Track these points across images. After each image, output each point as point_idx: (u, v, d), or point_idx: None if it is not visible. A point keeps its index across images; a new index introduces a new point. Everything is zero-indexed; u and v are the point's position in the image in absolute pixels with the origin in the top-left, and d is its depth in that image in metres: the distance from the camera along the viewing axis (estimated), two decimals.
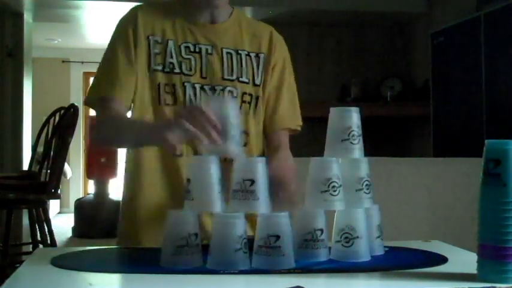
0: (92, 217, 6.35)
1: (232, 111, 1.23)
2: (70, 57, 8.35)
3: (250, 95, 1.57)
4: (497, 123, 3.84)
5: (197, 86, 1.52)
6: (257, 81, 1.59)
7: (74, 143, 5.51)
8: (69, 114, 3.47)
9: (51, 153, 3.46)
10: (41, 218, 3.45)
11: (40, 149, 3.89)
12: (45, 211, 3.51)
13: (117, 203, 6.50)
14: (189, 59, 1.53)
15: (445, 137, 4.57)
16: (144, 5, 1.59)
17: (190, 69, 1.52)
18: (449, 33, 4.46)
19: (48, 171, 3.44)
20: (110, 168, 6.67)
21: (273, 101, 1.63)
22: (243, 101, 1.56)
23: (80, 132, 8.07)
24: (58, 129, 3.46)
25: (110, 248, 1.47)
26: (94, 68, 6.72)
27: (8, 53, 5.34)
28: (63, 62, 8.39)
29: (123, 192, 1.60)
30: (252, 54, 1.60)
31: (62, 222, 6.88)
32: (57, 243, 3.69)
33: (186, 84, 1.51)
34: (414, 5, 5.30)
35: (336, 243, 1.21)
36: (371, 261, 1.24)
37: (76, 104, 3.65)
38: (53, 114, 3.70)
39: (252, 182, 1.15)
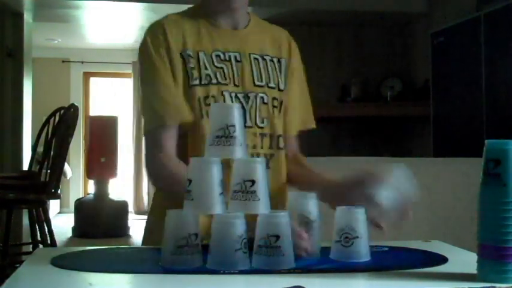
0: (92, 217, 6.35)
1: (237, 115, 1.22)
2: (70, 57, 8.35)
3: (277, 99, 1.57)
4: (497, 123, 3.85)
5: (233, 95, 1.50)
6: (281, 87, 1.59)
7: (74, 143, 5.52)
8: (69, 114, 3.48)
9: (51, 153, 3.46)
10: (41, 218, 3.45)
11: (40, 149, 3.89)
12: (45, 211, 3.51)
13: (117, 203, 6.52)
14: (222, 68, 1.51)
15: (445, 137, 4.57)
16: (169, 19, 1.54)
17: (225, 78, 1.50)
18: (449, 33, 4.46)
19: (48, 171, 3.45)
20: (110, 168, 6.67)
21: (294, 105, 1.64)
22: (274, 106, 1.56)
23: (80, 132, 8.07)
24: (58, 129, 3.46)
25: (110, 248, 1.47)
26: (94, 68, 6.78)
27: (8, 53, 5.34)
28: (63, 62, 8.39)
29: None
30: (275, 60, 1.60)
31: (62, 222, 6.88)
32: (57, 243, 3.69)
33: (225, 93, 1.49)
34: (414, 5, 5.31)
35: (336, 243, 1.21)
36: (371, 261, 1.24)
37: (76, 104, 3.65)
38: (53, 114, 3.70)
39: (253, 182, 1.15)
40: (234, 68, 1.52)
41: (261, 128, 1.53)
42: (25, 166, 5.06)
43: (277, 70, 1.59)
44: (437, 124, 4.66)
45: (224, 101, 1.48)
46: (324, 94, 5.60)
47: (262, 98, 1.54)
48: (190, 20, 1.54)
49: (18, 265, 1.26)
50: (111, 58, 8.23)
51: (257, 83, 1.54)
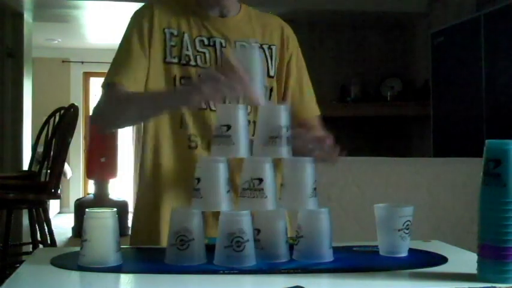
0: None
1: (257, 59, 1.25)
2: (70, 57, 8.35)
3: (265, 86, 1.56)
4: (497, 123, 3.85)
5: None
6: (271, 73, 1.60)
7: (74, 143, 5.52)
8: (69, 114, 3.47)
9: (51, 153, 3.46)
10: (41, 218, 3.45)
11: (40, 149, 3.89)
12: (45, 211, 3.51)
13: (117, 203, 6.52)
14: (204, 52, 1.53)
15: (445, 137, 4.57)
16: (159, 1, 1.60)
17: (205, 62, 1.52)
18: (449, 33, 4.46)
19: (48, 171, 3.44)
20: (110, 168, 6.67)
21: (298, 93, 1.65)
22: None
23: (80, 132, 8.07)
24: (58, 129, 3.46)
25: None
26: (94, 68, 6.79)
27: (8, 53, 5.34)
28: (63, 62, 8.39)
29: (139, 191, 1.59)
30: (265, 46, 1.60)
31: (62, 222, 6.88)
32: (57, 243, 3.69)
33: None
34: (414, 5, 5.30)
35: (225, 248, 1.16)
36: (371, 261, 1.24)
37: (76, 104, 3.65)
38: (53, 114, 3.70)
39: (261, 180, 1.17)
40: (218, 53, 1.53)
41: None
42: (25, 166, 5.06)
43: (267, 56, 1.60)
44: (437, 124, 4.65)
45: None
46: (324, 94, 5.59)
47: None
48: (182, 5, 1.59)
49: (18, 265, 1.26)
50: (111, 58, 8.18)
51: None
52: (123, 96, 1.49)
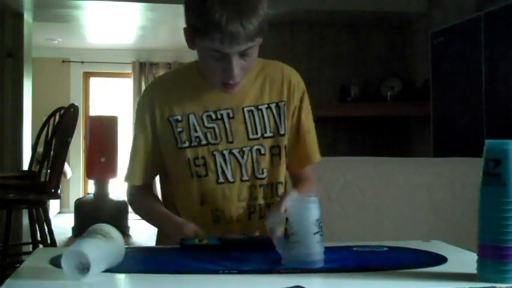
0: (92, 217, 6.35)
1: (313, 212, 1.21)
2: (70, 57, 8.35)
3: (278, 146, 1.58)
4: (497, 123, 3.85)
5: (226, 153, 1.54)
6: (281, 131, 1.58)
7: (74, 143, 5.51)
8: (69, 114, 3.47)
9: (51, 153, 3.46)
10: (41, 218, 3.45)
11: (40, 149, 3.89)
12: (45, 211, 3.51)
13: (117, 203, 6.52)
14: (213, 127, 1.54)
15: (445, 137, 4.57)
16: (158, 83, 1.66)
17: (216, 138, 1.54)
18: (449, 33, 4.46)
19: (48, 171, 3.44)
20: (110, 168, 6.67)
21: (294, 140, 1.62)
22: (272, 154, 1.57)
23: (80, 132, 8.07)
24: (58, 129, 3.46)
25: None
26: (94, 68, 6.81)
27: (8, 53, 5.34)
28: (63, 62, 8.39)
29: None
30: (273, 105, 1.58)
31: (62, 222, 6.88)
32: (57, 243, 3.69)
33: (215, 153, 1.54)
34: (414, 5, 5.30)
35: None
36: (371, 261, 1.24)
37: (76, 104, 3.65)
38: (53, 114, 3.70)
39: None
40: (227, 126, 1.54)
41: (261, 179, 1.56)
42: (25, 166, 5.06)
43: (275, 116, 1.58)
44: (437, 124, 4.65)
45: (215, 160, 1.54)
46: (324, 94, 5.60)
47: (258, 150, 1.56)
48: (181, 81, 1.59)
49: (18, 265, 1.26)
50: (111, 58, 8.23)
51: (251, 136, 1.55)
52: (142, 212, 1.65)
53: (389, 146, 5.63)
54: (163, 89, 1.59)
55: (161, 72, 8.61)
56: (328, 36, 5.79)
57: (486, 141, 1.03)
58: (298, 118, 1.61)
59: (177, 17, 6.22)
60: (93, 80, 8.73)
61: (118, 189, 7.36)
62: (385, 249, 1.35)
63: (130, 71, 8.49)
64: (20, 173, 4.25)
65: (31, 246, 3.65)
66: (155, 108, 1.56)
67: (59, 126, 3.46)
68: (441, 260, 1.22)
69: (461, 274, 1.08)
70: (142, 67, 8.53)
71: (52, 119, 3.66)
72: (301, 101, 1.62)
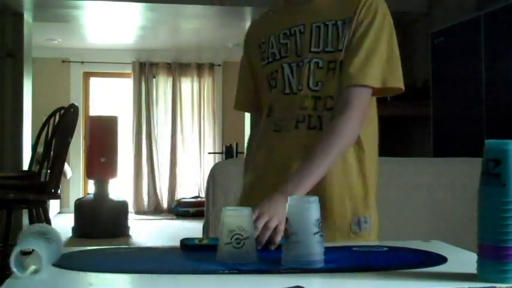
0: (92, 217, 6.36)
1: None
2: (70, 57, 8.35)
3: (335, 61, 1.59)
4: (497, 123, 3.85)
5: (293, 65, 1.64)
6: (340, 47, 1.59)
7: (74, 143, 5.51)
8: (69, 114, 3.47)
9: (51, 153, 3.46)
10: (41, 218, 3.45)
11: (40, 149, 3.89)
12: (45, 211, 3.51)
13: (117, 203, 6.53)
14: (286, 43, 1.66)
15: (445, 137, 4.57)
16: (254, 21, 1.92)
17: (286, 52, 1.65)
18: (449, 33, 4.46)
19: (48, 171, 3.44)
20: (110, 168, 6.67)
21: (346, 55, 1.59)
22: (329, 69, 1.60)
23: (80, 132, 8.07)
24: (58, 129, 3.46)
25: (109, 248, 1.47)
26: (94, 68, 6.82)
27: (8, 53, 5.34)
28: (63, 62, 8.39)
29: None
30: (340, 23, 1.61)
31: (62, 222, 6.88)
32: None
33: (283, 65, 1.65)
34: (414, 5, 5.30)
35: (226, 245, 1.19)
36: (371, 261, 1.24)
37: (76, 104, 3.65)
38: (53, 114, 3.70)
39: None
40: (298, 40, 1.64)
41: (315, 91, 1.60)
42: (25, 166, 5.06)
43: (340, 32, 1.60)
44: (437, 124, 4.66)
45: (283, 72, 1.65)
46: None
47: (317, 63, 1.61)
48: (270, 12, 1.81)
49: None
50: (111, 58, 8.23)
51: (313, 49, 1.62)
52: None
53: (389, 146, 5.62)
54: (256, 23, 1.85)
55: (161, 72, 8.62)
56: None
57: (486, 141, 1.03)
58: (354, 32, 1.60)
59: (177, 17, 6.24)
60: (93, 80, 8.73)
61: (118, 189, 7.36)
62: (385, 249, 1.35)
63: (130, 71, 8.49)
64: (20, 173, 4.25)
65: None
66: (250, 36, 1.79)
67: (59, 126, 3.46)
68: (441, 260, 1.22)
69: (461, 274, 1.08)
70: (142, 67, 8.53)
71: (52, 119, 3.66)
72: (366, 16, 1.60)
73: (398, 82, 1.66)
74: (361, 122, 1.60)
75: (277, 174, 1.56)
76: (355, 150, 1.61)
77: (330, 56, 1.60)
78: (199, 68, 8.60)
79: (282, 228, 1.27)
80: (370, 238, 1.60)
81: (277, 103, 1.65)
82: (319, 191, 1.44)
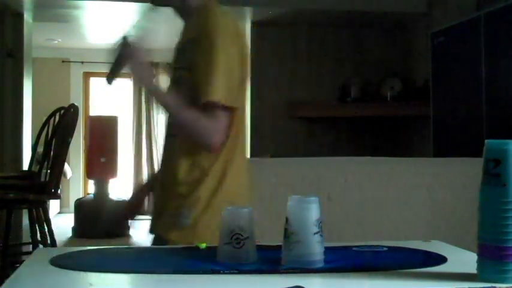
0: (92, 217, 6.35)
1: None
2: (70, 57, 8.34)
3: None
4: (497, 123, 3.84)
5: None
6: (182, 65, 1.75)
7: (74, 143, 5.50)
8: (69, 114, 3.47)
9: (51, 153, 3.46)
10: (41, 218, 3.45)
11: (40, 149, 3.89)
12: (45, 211, 3.51)
13: (117, 203, 6.52)
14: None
15: (445, 137, 4.57)
16: None
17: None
18: (449, 33, 4.46)
19: (48, 171, 3.44)
20: (110, 168, 6.67)
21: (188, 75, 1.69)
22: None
23: (80, 132, 8.07)
24: (58, 129, 3.46)
25: (110, 248, 1.47)
26: (94, 68, 6.79)
27: (8, 53, 5.34)
28: (63, 62, 8.38)
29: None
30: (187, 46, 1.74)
31: (62, 222, 6.88)
32: (57, 243, 3.69)
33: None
34: (414, 5, 5.30)
35: (226, 245, 1.19)
36: (371, 261, 1.24)
37: (76, 104, 3.65)
38: (53, 114, 3.70)
39: None
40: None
41: None
42: (25, 166, 5.06)
43: (187, 51, 1.71)
44: (437, 124, 4.65)
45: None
46: (324, 94, 5.60)
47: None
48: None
49: (18, 265, 1.26)
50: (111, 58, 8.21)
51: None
52: None
53: (389, 146, 5.63)
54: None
55: (161, 72, 8.62)
56: (328, 36, 5.79)
57: (486, 141, 1.03)
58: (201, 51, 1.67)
59: (177, 17, 6.24)
60: (93, 80, 8.72)
61: (118, 189, 7.36)
62: (385, 249, 1.35)
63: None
64: (20, 173, 4.25)
65: (31, 246, 3.65)
66: None
67: (59, 126, 3.46)
68: (441, 260, 1.22)
69: (461, 274, 1.08)
70: None
71: (52, 119, 3.66)
72: (200, 35, 1.68)
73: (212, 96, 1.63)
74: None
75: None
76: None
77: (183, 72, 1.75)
78: None
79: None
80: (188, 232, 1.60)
81: None
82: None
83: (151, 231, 1.70)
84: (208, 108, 1.60)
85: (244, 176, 1.71)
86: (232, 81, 1.63)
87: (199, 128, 1.62)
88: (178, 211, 1.61)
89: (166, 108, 1.68)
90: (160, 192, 1.73)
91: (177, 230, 1.60)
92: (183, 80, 1.70)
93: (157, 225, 1.68)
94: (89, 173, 6.79)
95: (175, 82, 1.77)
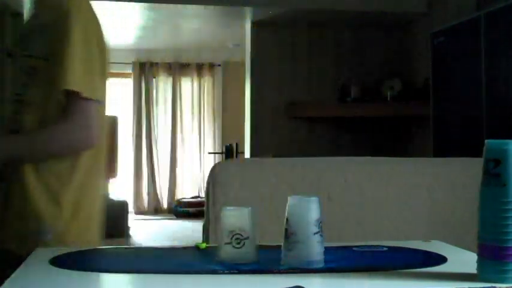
0: None
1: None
2: None
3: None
4: (497, 123, 3.84)
5: None
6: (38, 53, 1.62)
7: None
8: None
9: None
10: None
11: None
12: None
13: (117, 203, 6.53)
14: None
15: (445, 137, 4.57)
16: None
17: None
18: (449, 33, 4.46)
19: None
20: (110, 168, 6.67)
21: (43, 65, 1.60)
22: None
23: None
24: None
25: (109, 248, 1.47)
26: None
27: (8, 53, 5.34)
28: None
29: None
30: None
31: None
32: None
33: None
34: (414, 5, 5.31)
35: (226, 245, 1.20)
36: (371, 261, 1.24)
37: None
38: None
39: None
40: None
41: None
42: None
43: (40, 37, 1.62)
44: (437, 124, 4.65)
45: None
46: (324, 94, 5.60)
47: None
48: None
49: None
50: (111, 58, 8.21)
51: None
52: None
53: (389, 146, 5.63)
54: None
55: (161, 72, 8.62)
56: (328, 36, 5.79)
57: (486, 141, 1.03)
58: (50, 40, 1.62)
59: (177, 17, 6.23)
60: None
61: (118, 189, 7.37)
62: (385, 249, 1.35)
63: (130, 71, 8.49)
64: None
65: None
66: None
67: None
68: (441, 260, 1.22)
69: (461, 274, 1.08)
70: (142, 67, 8.53)
71: None
72: (56, 21, 1.62)
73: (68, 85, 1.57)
74: None
75: None
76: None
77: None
78: (199, 68, 8.60)
79: None
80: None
81: None
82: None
83: None
84: (71, 103, 1.54)
85: (99, 200, 1.67)
86: (93, 71, 1.59)
87: (70, 138, 1.55)
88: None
89: (26, 153, 1.55)
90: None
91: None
92: (39, 70, 1.58)
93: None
94: None
95: (26, 72, 1.62)
